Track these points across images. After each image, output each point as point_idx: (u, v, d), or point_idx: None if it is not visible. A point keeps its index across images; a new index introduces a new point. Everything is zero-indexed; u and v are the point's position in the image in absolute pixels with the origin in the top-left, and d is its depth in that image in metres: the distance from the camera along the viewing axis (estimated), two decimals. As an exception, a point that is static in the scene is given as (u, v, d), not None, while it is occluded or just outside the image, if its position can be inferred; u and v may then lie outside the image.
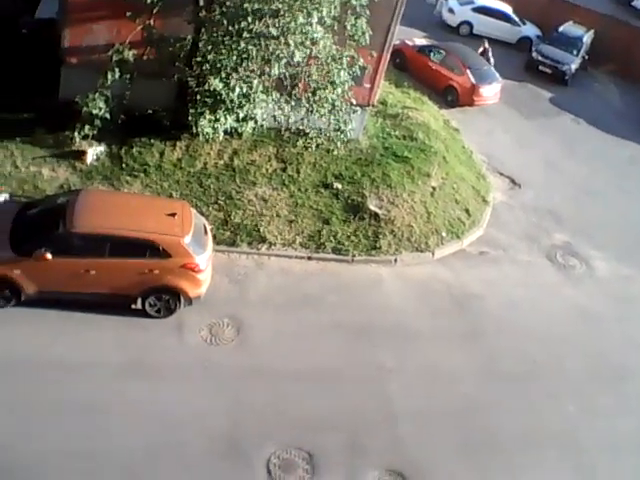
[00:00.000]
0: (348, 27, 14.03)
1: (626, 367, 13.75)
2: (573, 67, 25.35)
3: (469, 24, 26.79)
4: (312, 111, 14.59)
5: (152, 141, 14.97)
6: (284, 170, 15.59)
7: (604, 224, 18.20)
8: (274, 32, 12.96)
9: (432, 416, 11.50)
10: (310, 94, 14.49)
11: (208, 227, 12.78)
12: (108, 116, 13.94)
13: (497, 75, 22.28)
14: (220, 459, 10.04)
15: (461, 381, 12.35)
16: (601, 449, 11.89)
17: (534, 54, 25.62)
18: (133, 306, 11.74)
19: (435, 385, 12.13)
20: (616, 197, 19.67)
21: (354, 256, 14.57)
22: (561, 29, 26.51)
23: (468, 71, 21.63)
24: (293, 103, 14.61)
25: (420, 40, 23.77)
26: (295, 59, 13.60)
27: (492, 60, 23.01)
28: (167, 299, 11.78)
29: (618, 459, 11.80)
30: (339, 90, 14.57)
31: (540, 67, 25.26)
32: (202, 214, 13.48)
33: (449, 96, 21.69)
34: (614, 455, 11.84)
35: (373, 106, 17.69)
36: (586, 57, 26.29)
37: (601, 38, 26.71)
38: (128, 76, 13.98)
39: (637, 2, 35.97)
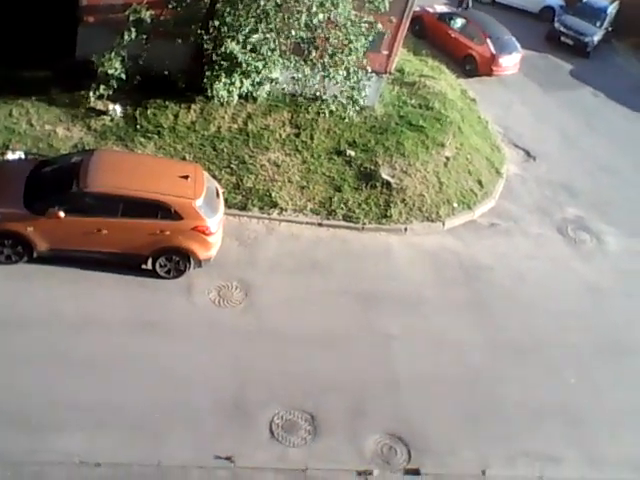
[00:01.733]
0: (368, -8, 13.88)
1: (631, 343, 13.77)
2: (596, 39, 24.86)
3: (499, -7, 26.24)
4: (328, 76, 14.52)
5: (167, 103, 15.00)
6: (297, 136, 15.60)
7: (618, 200, 18.04)
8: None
9: (435, 384, 11.66)
10: (327, 59, 14.42)
11: (220, 190, 12.88)
12: (124, 76, 13.99)
13: (517, 45, 21.93)
14: (224, 418, 10.31)
15: (466, 350, 12.48)
16: (601, 422, 12.01)
17: (556, 24, 25.13)
18: (143, 266, 11.93)
19: (440, 353, 12.28)
20: (632, 174, 19.43)
21: (364, 224, 14.64)
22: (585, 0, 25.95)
23: (488, 40, 21.32)
24: (309, 68, 14.55)
25: (441, 7, 23.37)
26: (314, 21, 13.50)
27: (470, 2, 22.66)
28: (177, 260, 11.96)
29: (617, 432, 11.91)
30: (356, 56, 14.46)
31: (562, 38, 24.80)
32: (215, 177, 13.56)
33: (468, 65, 21.41)
34: (613, 428, 11.95)
35: (390, 74, 17.54)
36: (610, 29, 25.73)
37: (627, 10, 26.07)
38: (144, 37, 13.99)
39: (666, -27, 35.02)
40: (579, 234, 16.55)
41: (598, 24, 25.19)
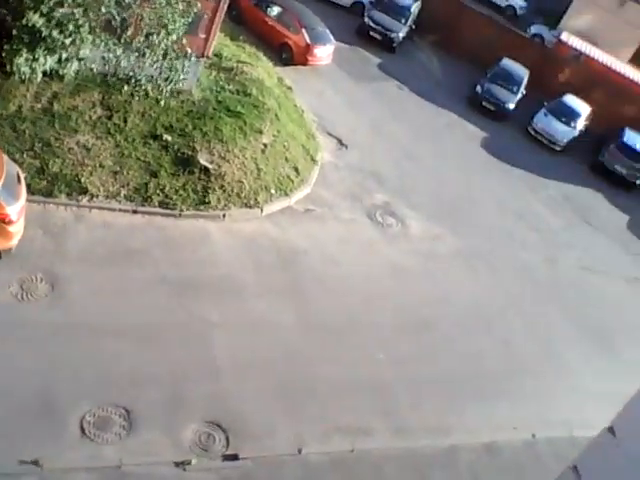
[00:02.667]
0: (185, -30, 13.56)
1: (429, 319, 15.15)
2: (401, 35, 26.50)
3: (306, -18, 26.90)
4: (143, 56, 13.98)
5: (-44, 77, 13.54)
6: (110, 118, 14.87)
7: (420, 186, 19.66)
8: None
9: (253, 368, 11.93)
10: (142, 39, 13.83)
11: (22, 175, 11.92)
12: None
13: (331, 37, 22.77)
14: (30, 420, 9.69)
15: (283, 333, 12.90)
16: (404, 393, 13.10)
17: (366, 19, 26.39)
18: None
19: (258, 338, 12.57)
20: (432, 161, 21.25)
21: (182, 211, 14.42)
22: (391, -4, 27.54)
23: (304, 30, 21.87)
24: (123, 47, 13.88)
25: (257, -7, 23.48)
26: (126, -1, 12.92)
27: None
28: (-27, 252, 10.94)
29: (417, 401, 13.07)
30: (173, 37, 14.06)
31: (371, 32, 26.12)
32: (15, 161, 12.51)
33: (284, 54, 21.84)
34: (414, 398, 13.09)
35: (208, 58, 17.34)
36: (413, 26, 27.58)
37: (427, 9, 28.19)
38: None
39: (462, -21, 38.34)
40: (386, 219, 17.76)
41: (403, 21, 26.84)
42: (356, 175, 18.74)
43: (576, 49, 29.80)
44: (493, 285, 17.35)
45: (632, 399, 8.59)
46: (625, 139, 25.86)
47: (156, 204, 14.18)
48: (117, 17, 13.52)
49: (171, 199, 14.41)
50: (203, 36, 16.50)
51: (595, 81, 28.31)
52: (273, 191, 16.18)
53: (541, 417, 14.06)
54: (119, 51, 13.93)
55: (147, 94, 14.91)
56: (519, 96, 26.23)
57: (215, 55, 18.29)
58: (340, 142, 19.78)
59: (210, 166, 15.32)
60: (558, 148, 25.64)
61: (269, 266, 14.32)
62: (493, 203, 20.92)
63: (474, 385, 13.95)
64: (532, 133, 25.82)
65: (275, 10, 22.22)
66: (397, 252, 16.81)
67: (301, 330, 13.18)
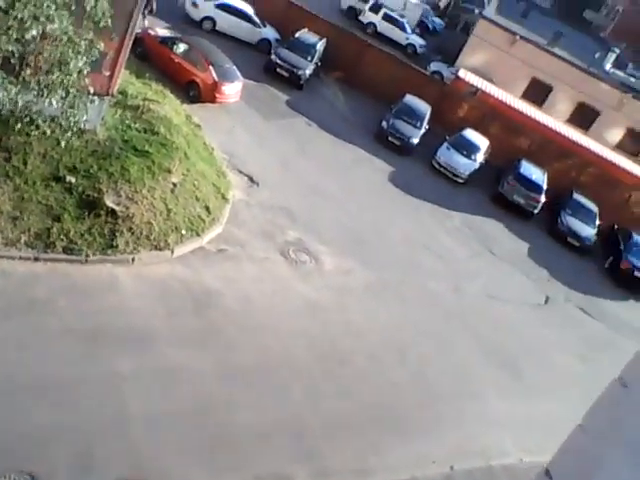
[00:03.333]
0: (88, 7, 13.18)
1: (344, 354, 15.23)
2: (307, 72, 27.03)
3: (212, 20, 27.05)
4: (43, 96, 13.45)
5: None
6: (8, 160, 14.16)
7: (331, 221, 19.92)
8: (1, 3, 11.69)
9: (168, 420, 11.51)
10: (42, 77, 13.31)
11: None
12: None
13: (239, 74, 22.88)
14: None
15: (199, 381, 12.55)
16: (324, 431, 13.05)
17: (273, 56, 26.77)
18: None
19: (173, 388, 12.15)
20: (342, 196, 21.62)
21: (88, 256, 13.85)
22: (297, 35, 28.11)
23: (211, 67, 21.85)
24: (21, 86, 13.30)
25: (163, 31, 23.33)
26: (27, 36, 12.40)
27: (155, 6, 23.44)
28: None
29: (340, 441, 13.02)
30: (74, 75, 13.63)
31: (278, 70, 26.49)
32: None
33: (191, 91, 21.72)
34: (334, 436, 13.05)
35: (112, 96, 16.93)
36: (319, 63, 28.23)
37: (332, 47, 28.94)
38: None
39: (362, 17, 39.89)
40: (299, 255, 17.83)
41: (309, 58, 27.40)
42: (268, 212, 18.75)
43: (472, 85, 31.44)
44: (404, 316, 17.74)
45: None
46: (521, 170, 27.37)
47: (60, 250, 13.54)
48: (16, 54, 12.97)
49: (76, 244, 13.83)
50: (107, 74, 16.13)
51: (491, 115, 29.93)
52: (184, 232, 15.88)
53: (459, 448, 14.37)
54: (16, 90, 13.33)
55: (48, 134, 14.32)
56: (422, 131, 27.29)
57: (120, 93, 17.91)
58: (251, 179, 19.77)
59: (117, 208, 14.86)
60: (461, 180, 26.78)
61: (182, 310, 13.97)
62: (401, 235, 21.50)
63: (392, 419, 14.10)
64: (436, 166, 26.86)
65: (182, 47, 22.10)
66: (311, 288, 16.88)
67: (217, 376, 12.88)
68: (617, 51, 39.47)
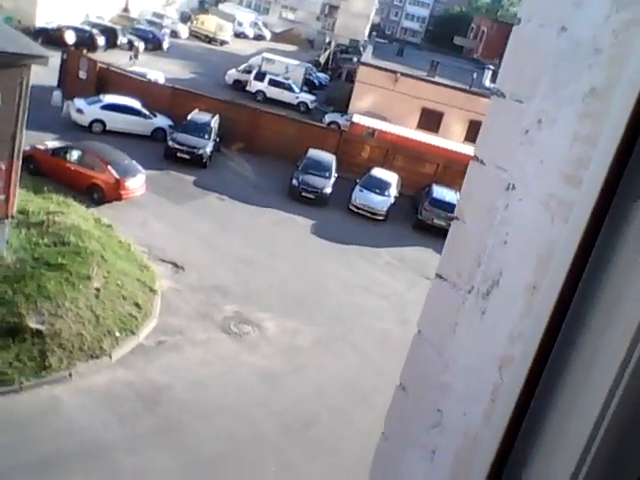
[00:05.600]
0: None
1: (308, 415, 14.93)
2: (208, 150, 27.32)
3: (101, 122, 27.10)
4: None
5: None
6: None
7: (265, 287, 19.80)
8: None
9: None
10: None
11: None
12: None
13: (139, 167, 22.87)
14: None
15: (165, 481, 11.99)
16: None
17: (170, 142, 26.92)
18: None
19: (138, 495, 11.55)
20: (270, 261, 21.61)
21: (22, 383, 13.19)
22: (189, 117, 28.50)
23: (109, 167, 21.75)
24: None
25: (53, 143, 23.18)
26: None
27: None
28: None
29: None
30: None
31: (178, 154, 26.65)
32: None
33: (95, 194, 21.49)
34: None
35: (12, 217, 16.56)
36: (217, 139, 28.62)
37: (226, 121, 29.48)
38: None
39: (249, 87, 41.03)
40: (241, 327, 17.57)
41: (206, 137, 27.74)
42: (200, 294, 18.48)
43: (369, 127, 32.55)
44: (360, 362, 17.62)
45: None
46: (435, 195, 28.25)
47: (-11, 385, 12.87)
48: None
49: (6, 374, 13.15)
50: (2, 197, 15.82)
51: (393, 151, 30.98)
52: (118, 333, 15.40)
53: None
54: None
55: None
56: (332, 180, 27.88)
57: (21, 212, 17.55)
58: (175, 265, 19.52)
59: (42, 327, 14.31)
60: (380, 217, 27.36)
61: (133, 414, 13.40)
62: (338, 284, 21.58)
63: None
64: (354, 209, 27.38)
65: (75, 154, 21.95)
66: (261, 358, 16.58)
67: (183, 472, 12.32)
68: (492, 67, 42.05)
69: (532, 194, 1.55)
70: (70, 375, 13.90)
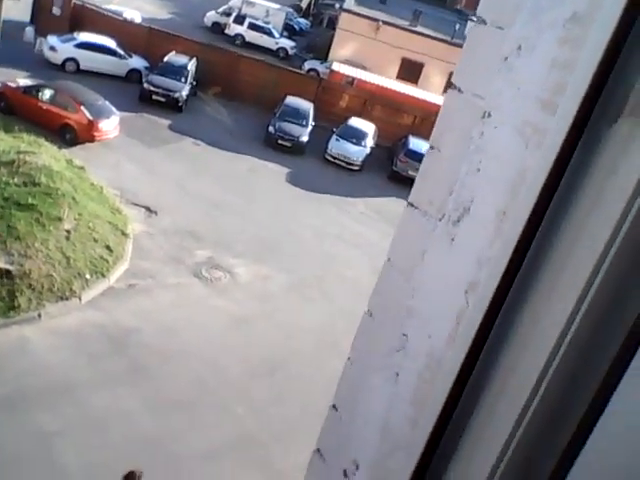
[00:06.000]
0: None
1: (277, 359, 15.10)
2: (184, 93, 26.71)
3: (75, 61, 26.26)
4: None
5: None
6: None
7: (238, 233, 19.72)
8: None
9: (108, 467, 11.00)
10: None
11: None
12: None
13: (113, 108, 22.32)
14: None
15: (132, 422, 12.07)
16: (274, 439, 12.88)
17: (145, 85, 26.25)
18: None
19: (107, 434, 11.62)
20: (244, 207, 21.48)
21: (-10, 323, 13.13)
22: (166, 59, 27.74)
23: (82, 107, 21.20)
24: None
25: (24, 81, 22.44)
26: None
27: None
28: None
29: (290, 448, 12.85)
30: None
31: (154, 96, 26.03)
32: None
33: (67, 135, 20.98)
34: (286, 444, 12.88)
35: (-19, 156, 16.15)
36: (194, 83, 27.98)
37: (204, 64, 28.78)
38: None
39: (228, 30, 39.99)
40: (213, 273, 17.55)
41: (183, 80, 27.08)
42: (172, 238, 18.36)
43: (348, 75, 32.08)
44: (331, 309, 17.80)
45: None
46: (411, 146, 28.16)
47: (-43, 324, 12.76)
48: None
49: (-25, 314, 13.05)
50: (-30, 134, 15.38)
51: (371, 101, 30.66)
52: (88, 276, 15.29)
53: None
54: None
55: None
56: (309, 128, 27.57)
57: (-10, 151, 17.10)
58: (148, 209, 19.30)
59: (11, 267, 14.12)
60: (356, 167, 27.26)
61: (101, 355, 13.41)
62: (311, 232, 21.60)
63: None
64: (330, 159, 27.21)
65: (47, 93, 21.31)
66: (232, 303, 16.64)
67: (151, 412, 12.45)
68: (475, 19, 41.38)
69: (508, 121, 1.53)
70: (39, 316, 13.82)
